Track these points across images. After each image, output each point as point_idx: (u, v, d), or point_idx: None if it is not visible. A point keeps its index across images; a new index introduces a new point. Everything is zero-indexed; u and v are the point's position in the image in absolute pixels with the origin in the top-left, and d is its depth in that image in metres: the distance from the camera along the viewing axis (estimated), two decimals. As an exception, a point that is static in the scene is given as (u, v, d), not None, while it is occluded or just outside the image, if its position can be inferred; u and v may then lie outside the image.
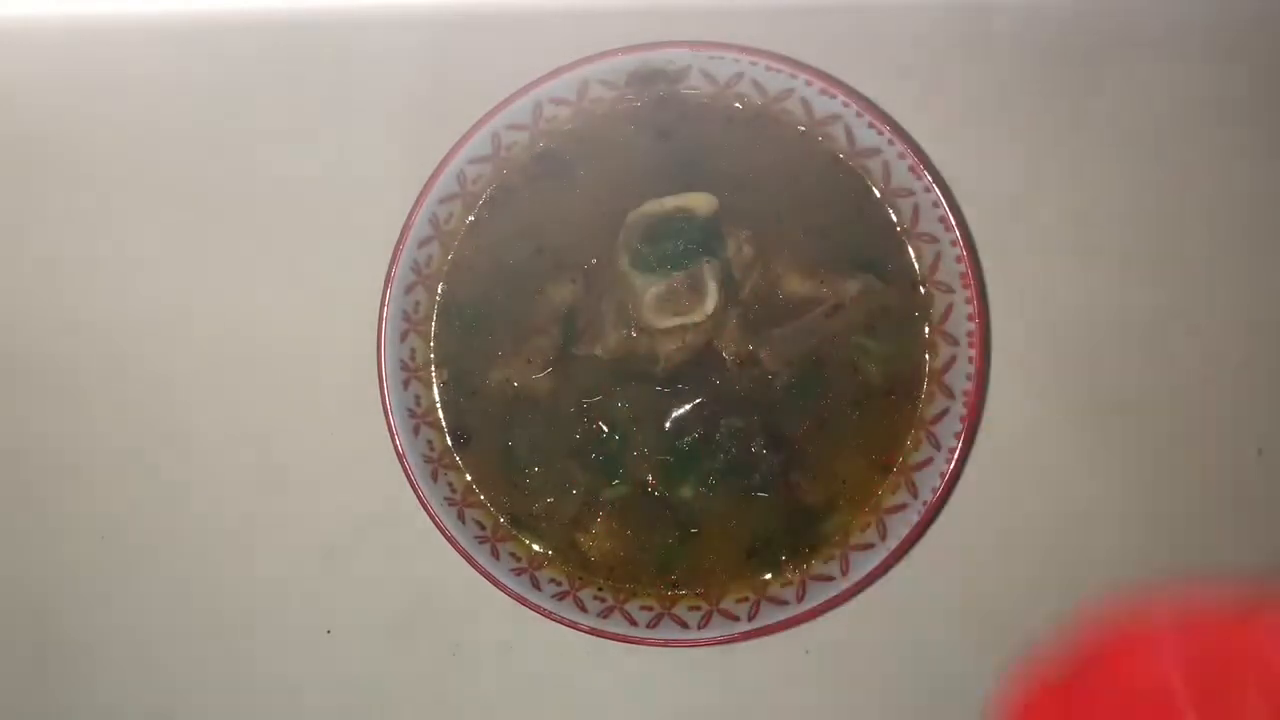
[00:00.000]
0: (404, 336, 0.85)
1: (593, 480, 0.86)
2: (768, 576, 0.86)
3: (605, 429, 0.86)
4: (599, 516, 0.86)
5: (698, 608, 0.86)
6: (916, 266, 0.87)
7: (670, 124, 0.87)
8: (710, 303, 0.82)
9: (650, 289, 0.82)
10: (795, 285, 0.86)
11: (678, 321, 0.83)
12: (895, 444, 0.86)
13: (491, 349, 0.87)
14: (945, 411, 0.85)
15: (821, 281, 0.86)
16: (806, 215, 0.87)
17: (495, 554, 0.85)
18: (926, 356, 0.87)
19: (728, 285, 0.84)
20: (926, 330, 0.87)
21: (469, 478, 0.87)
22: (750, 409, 0.85)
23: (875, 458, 0.86)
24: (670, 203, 0.83)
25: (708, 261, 0.82)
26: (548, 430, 0.86)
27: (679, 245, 0.81)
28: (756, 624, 0.84)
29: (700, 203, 0.83)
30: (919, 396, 0.86)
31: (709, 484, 0.86)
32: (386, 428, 0.84)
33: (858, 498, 0.86)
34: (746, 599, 0.85)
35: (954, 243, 0.84)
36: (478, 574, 0.84)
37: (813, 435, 0.86)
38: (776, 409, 0.86)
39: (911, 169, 0.84)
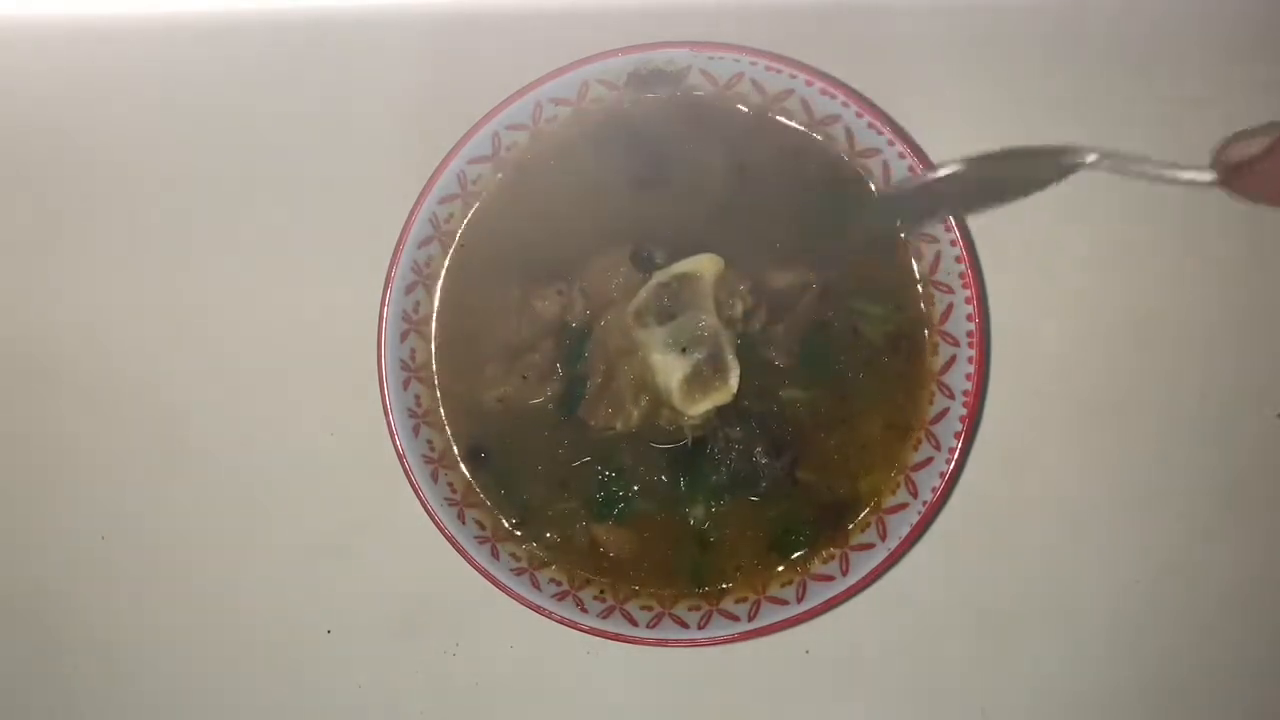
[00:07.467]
0: (404, 336, 0.85)
1: (596, 496, 0.86)
2: (780, 569, 0.86)
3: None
4: (605, 531, 0.86)
5: (698, 608, 0.86)
6: (916, 267, 0.87)
7: (669, 124, 0.87)
8: (734, 378, 0.83)
9: (676, 374, 0.82)
10: (786, 282, 0.86)
11: (708, 405, 0.83)
12: (911, 403, 0.86)
13: (487, 363, 0.87)
14: (945, 411, 0.85)
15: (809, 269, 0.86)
16: (806, 215, 0.87)
17: (495, 554, 0.85)
18: (923, 307, 0.86)
19: (742, 347, 0.84)
20: (918, 278, 0.86)
21: (469, 478, 0.87)
22: (751, 413, 0.85)
23: (890, 424, 0.86)
24: (677, 269, 0.83)
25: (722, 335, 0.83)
26: (550, 446, 0.86)
27: (696, 330, 0.82)
28: (756, 624, 0.84)
29: (706, 265, 0.83)
30: (924, 346, 0.86)
31: (718, 499, 0.86)
32: (387, 428, 0.84)
33: (879, 461, 0.86)
34: (746, 599, 0.86)
35: (954, 243, 0.84)
36: (478, 574, 0.84)
37: (812, 434, 0.86)
38: (783, 407, 0.86)
39: (911, 169, 0.84)
